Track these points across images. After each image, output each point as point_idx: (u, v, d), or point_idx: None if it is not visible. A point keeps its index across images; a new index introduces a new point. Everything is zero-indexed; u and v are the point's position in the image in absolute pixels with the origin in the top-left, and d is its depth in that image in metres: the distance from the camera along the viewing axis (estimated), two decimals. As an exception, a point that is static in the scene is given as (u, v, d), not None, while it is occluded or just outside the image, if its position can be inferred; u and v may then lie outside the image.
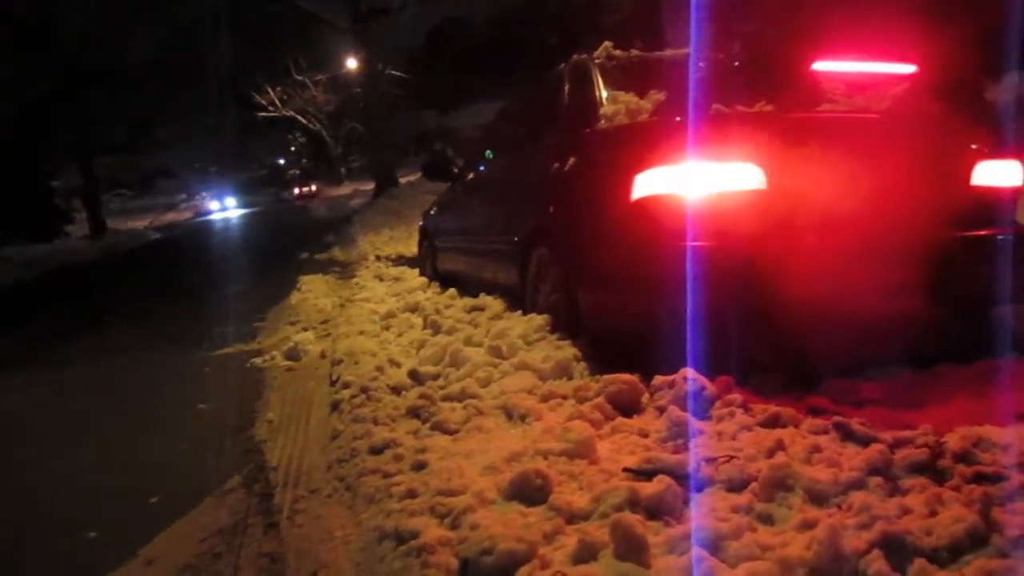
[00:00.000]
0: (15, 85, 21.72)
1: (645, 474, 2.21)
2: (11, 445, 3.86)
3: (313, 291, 8.25)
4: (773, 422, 2.58)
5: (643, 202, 3.16)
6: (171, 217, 38.73)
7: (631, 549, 1.78)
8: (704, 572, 1.69)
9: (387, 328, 5.19)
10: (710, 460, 2.25)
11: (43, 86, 23.09)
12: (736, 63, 4.11)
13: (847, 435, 2.43)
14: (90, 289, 12.64)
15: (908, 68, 3.50)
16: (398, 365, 4.02)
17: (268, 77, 38.60)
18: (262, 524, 2.60)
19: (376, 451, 2.81)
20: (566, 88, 4.22)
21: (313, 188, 47.58)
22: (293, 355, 5.10)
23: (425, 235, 7.63)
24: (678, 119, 3.16)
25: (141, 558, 2.46)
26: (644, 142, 3.33)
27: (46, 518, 2.89)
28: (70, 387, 5.15)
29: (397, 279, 8.37)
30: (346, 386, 3.76)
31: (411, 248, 11.30)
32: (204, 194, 50.99)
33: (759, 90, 3.47)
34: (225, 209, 45.78)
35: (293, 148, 63.66)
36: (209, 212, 44.43)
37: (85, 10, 24.53)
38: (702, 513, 1.96)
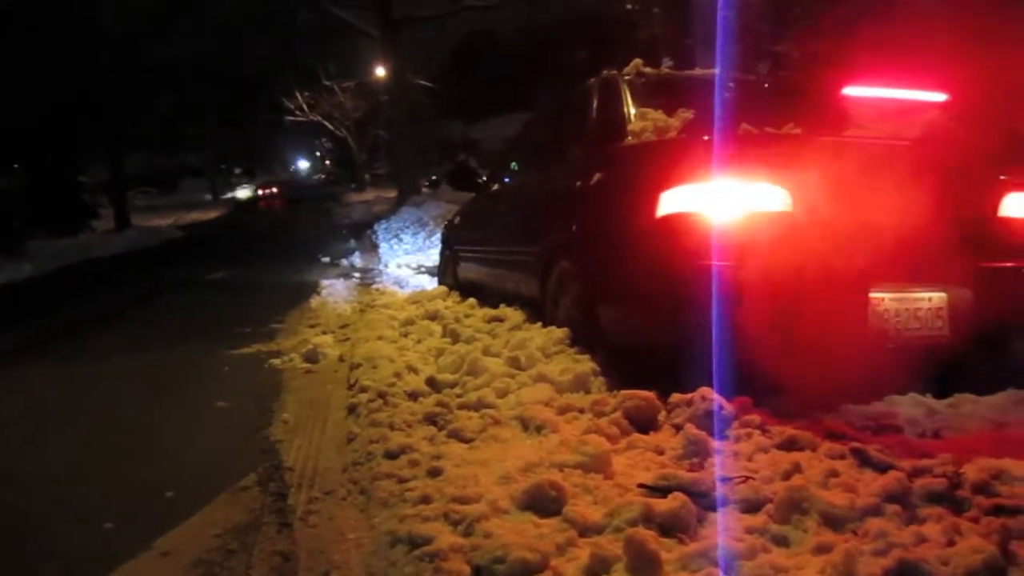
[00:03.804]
0: (52, 77, 21.88)
1: (660, 491, 2.21)
2: (29, 438, 3.88)
3: (332, 295, 8.31)
4: (790, 445, 2.58)
5: (667, 220, 3.17)
6: (195, 216, 39.06)
7: (644, 565, 1.78)
8: (717, 591, 1.69)
9: (406, 335, 5.21)
10: (726, 480, 2.25)
11: (78, 78, 23.23)
12: (766, 84, 4.12)
13: (864, 461, 2.42)
14: (109, 285, 12.70)
15: (939, 96, 3.49)
16: (416, 372, 4.04)
17: (298, 81, 38.85)
18: (276, 523, 2.60)
19: (392, 456, 2.82)
20: (594, 103, 4.24)
21: (275, 190, 47.78)
22: (311, 357, 5.12)
23: (447, 244, 7.67)
24: (706, 138, 3.17)
25: (156, 550, 2.47)
26: (671, 160, 3.33)
27: (63, 508, 2.90)
28: (88, 382, 5.17)
29: (417, 287, 8.43)
30: (363, 390, 3.77)
31: (431, 256, 11.37)
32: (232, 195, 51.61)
33: (788, 112, 3.47)
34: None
35: (318, 153, 64.14)
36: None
37: (130, 5, 24.61)
38: (716, 532, 1.95)
